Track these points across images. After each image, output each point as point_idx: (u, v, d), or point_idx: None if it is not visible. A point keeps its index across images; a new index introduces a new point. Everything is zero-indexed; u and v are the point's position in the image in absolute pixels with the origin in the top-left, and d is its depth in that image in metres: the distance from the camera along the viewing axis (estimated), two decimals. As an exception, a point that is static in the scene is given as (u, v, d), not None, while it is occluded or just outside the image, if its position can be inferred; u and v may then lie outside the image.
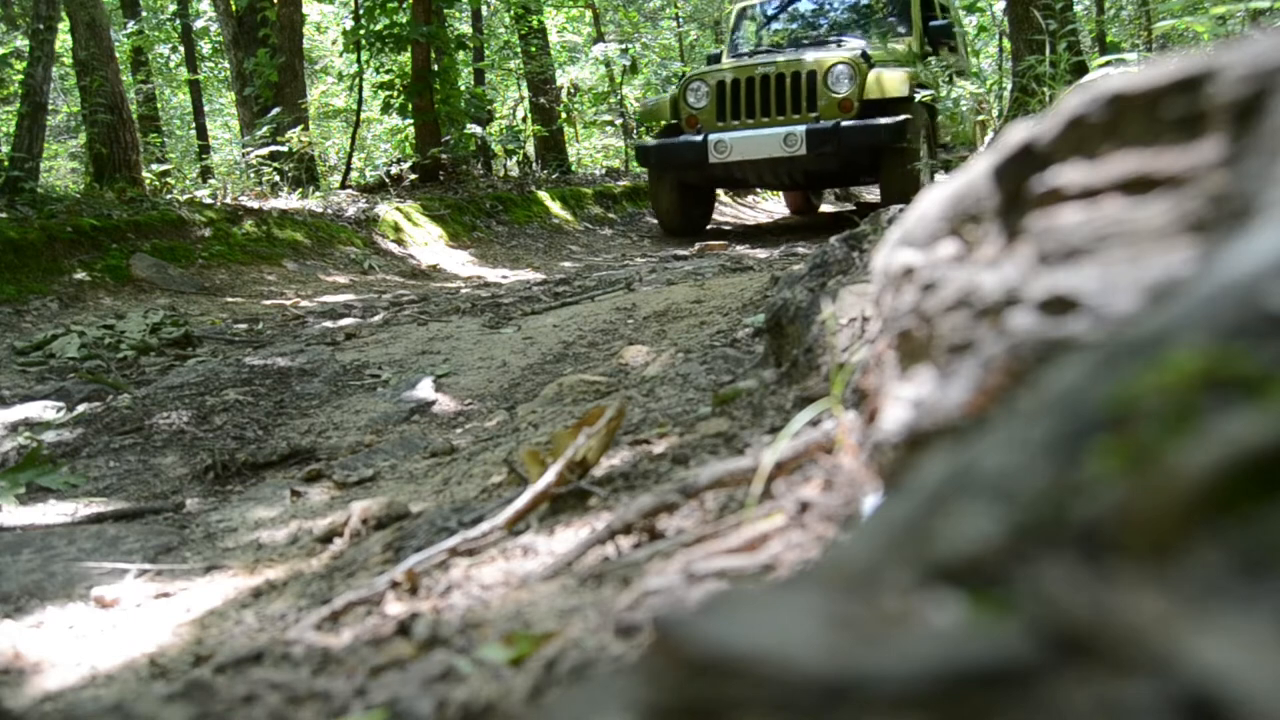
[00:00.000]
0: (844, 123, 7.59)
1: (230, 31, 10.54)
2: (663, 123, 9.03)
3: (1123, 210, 0.48)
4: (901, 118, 7.50)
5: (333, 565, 1.13)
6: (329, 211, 7.06)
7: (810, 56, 8.14)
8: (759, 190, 11.60)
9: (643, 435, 1.28)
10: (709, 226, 9.38)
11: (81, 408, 2.88)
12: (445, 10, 9.82)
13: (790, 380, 1.33)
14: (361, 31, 9.65)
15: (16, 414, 2.77)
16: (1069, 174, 0.50)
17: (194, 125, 14.75)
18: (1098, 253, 0.48)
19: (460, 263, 7.03)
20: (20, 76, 5.47)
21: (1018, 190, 0.52)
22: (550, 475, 0.92)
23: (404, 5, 9.72)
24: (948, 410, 0.55)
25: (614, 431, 1.01)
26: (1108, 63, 2.91)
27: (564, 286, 4.37)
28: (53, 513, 1.92)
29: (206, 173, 10.32)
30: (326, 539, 1.29)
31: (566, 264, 7.71)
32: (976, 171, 0.57)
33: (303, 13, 10.33)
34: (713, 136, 7.86)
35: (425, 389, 2.59)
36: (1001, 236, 0.53)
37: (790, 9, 10.79)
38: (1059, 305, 0.47)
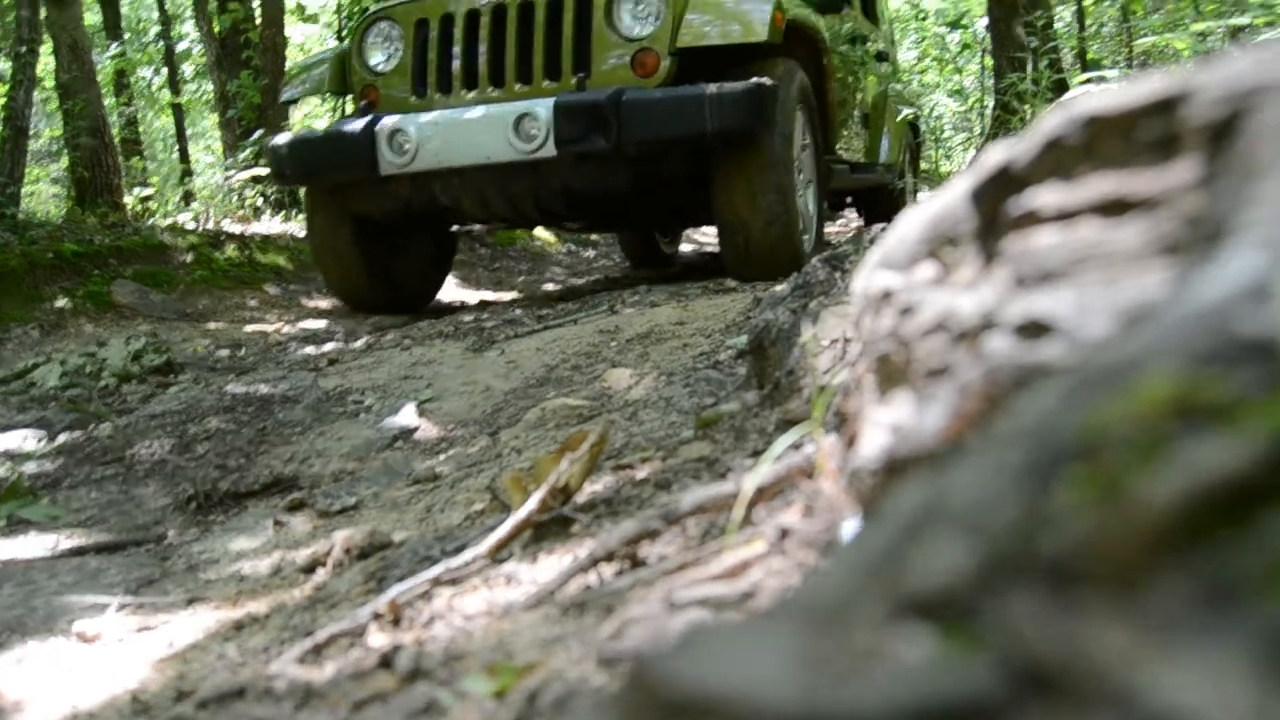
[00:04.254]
0: (631, 92, 4.14)
1: (213, 53, 10.56)
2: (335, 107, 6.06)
3: (1099, 232, 0.48)
4: (756, 82, 4.14)
5: (315, 596, 1.13)
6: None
7: None
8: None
9: (625, 460, 1.28)
10: (442, 295, 5.80)
11: (62, 437, 2.87)
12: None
13: (772, 402, 1.33)
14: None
15: (-3, 444, 2.75)
16: (1046, 196, 0.51)
17: (177, 148, 14.72)
18: (1073, 276, 0.48)
19: (446, 287, 7.02)
20: (2, 100, 5.45)
21: (995, 212, 0.53)
22: (532, 503, 0.92)
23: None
24: (925, 437, 0.55)
25: (596, 457, 1.01)
26: (1088, 80, 2.95)
27: (547, 309, 4.38)
28: (34, 545, 1.91)
29: (189, 196, 10.31)
30: (309, 569, 1.29)
31: (549, 286, 7.72)
32: (955, 193, 0.57)
33: (285, 34, 10.34)
34: (386, 123, 4.34)
35: (408, 415, 2.58)
36: (979, 259, 0.53)
37: None
38: (1034, 329, 0.48)
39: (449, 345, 3.68)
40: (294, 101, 5.49)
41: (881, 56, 7.50)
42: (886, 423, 0.61)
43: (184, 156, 13.78)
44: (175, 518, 2.08)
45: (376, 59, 4.74)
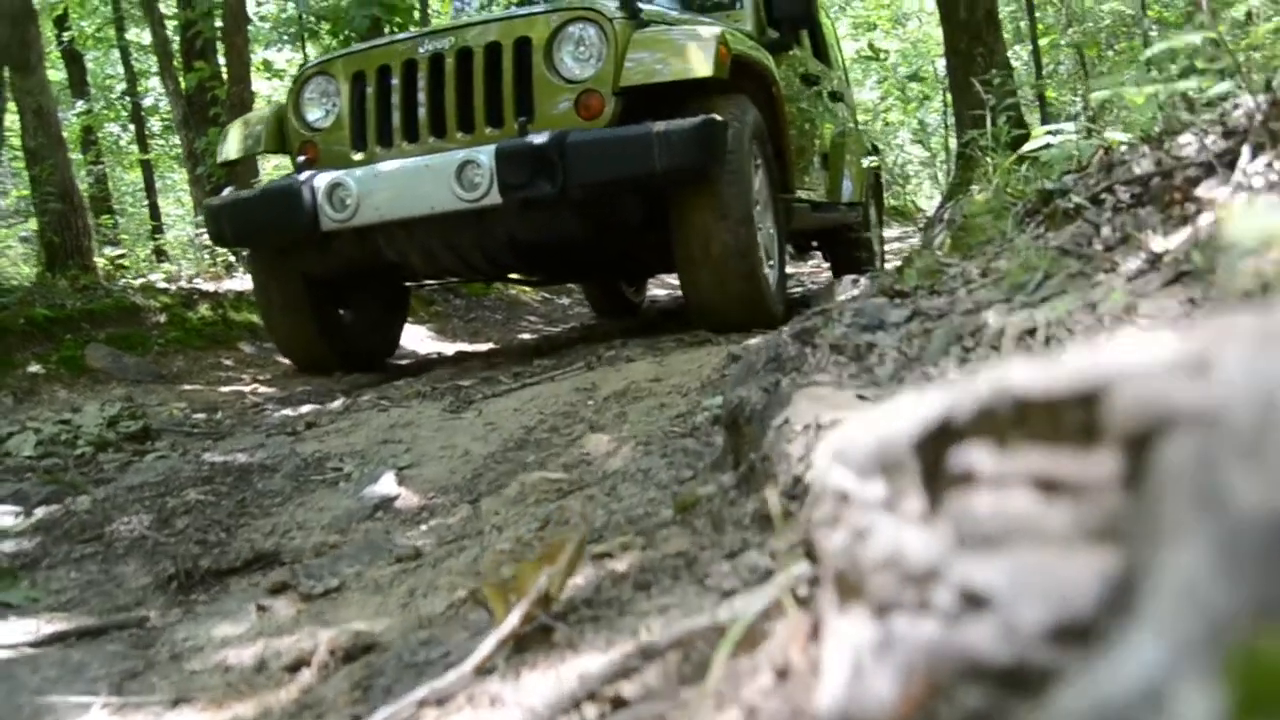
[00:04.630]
0: (575, 134, 4.06)
1: (180, 111, 10.57)
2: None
3: (1032, 506, 0.48)
4: (705, 118, 4.06)
5: (302, 701, 1.14)
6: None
7: (519, 13, 4.61)
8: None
9: (605, 546, 1.30)
10: (418, 347, 5.94)
11: (40, 512, 2.86)
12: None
13: (748, 487, 1.37)
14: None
15: (-27, 522, 2.74)
16: (983, 459, 0.51)
17: (146, 202, 14.71)
18: (1009, 548, 0.48)
19: (419, 338, 7.04)
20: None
21: (937, 461, 0.53)
22: (514, 619, 0.94)
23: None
24: (877, 710, 0.53)
25: (575, 564, 1.04)
26: (1048, 133, 3.05)
27: (523, 365, 4.40)
28: (16, 631, 1.90)
29: (160, 253, 10.31)
30: (294, 668, 1.30)
31: (525, 336, 7.75)
32: (897, 432, 0.56)
33: (253, 90, 10.39)
34: (324, 178, 4.27)
35: (387, 483, 2.59)
36: (924, 500, 0.54)
37: None
38: (973, 600, 0.48)
39: (426, 406, 3.69)
40: (233, 163, 5.46)
41: (835, 96, 7.60)
42: (846, 644, 0.58)
43: (154, 212, 13.77)
44: (157, 598, 2.08)
45: (314, 114, 4.73)
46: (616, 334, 5.16)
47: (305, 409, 4.08)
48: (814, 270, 10.58)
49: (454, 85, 4.38)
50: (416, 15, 9.37)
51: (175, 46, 11.07)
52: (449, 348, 6.94)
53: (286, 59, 11.39)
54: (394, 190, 4.20)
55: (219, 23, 9.97)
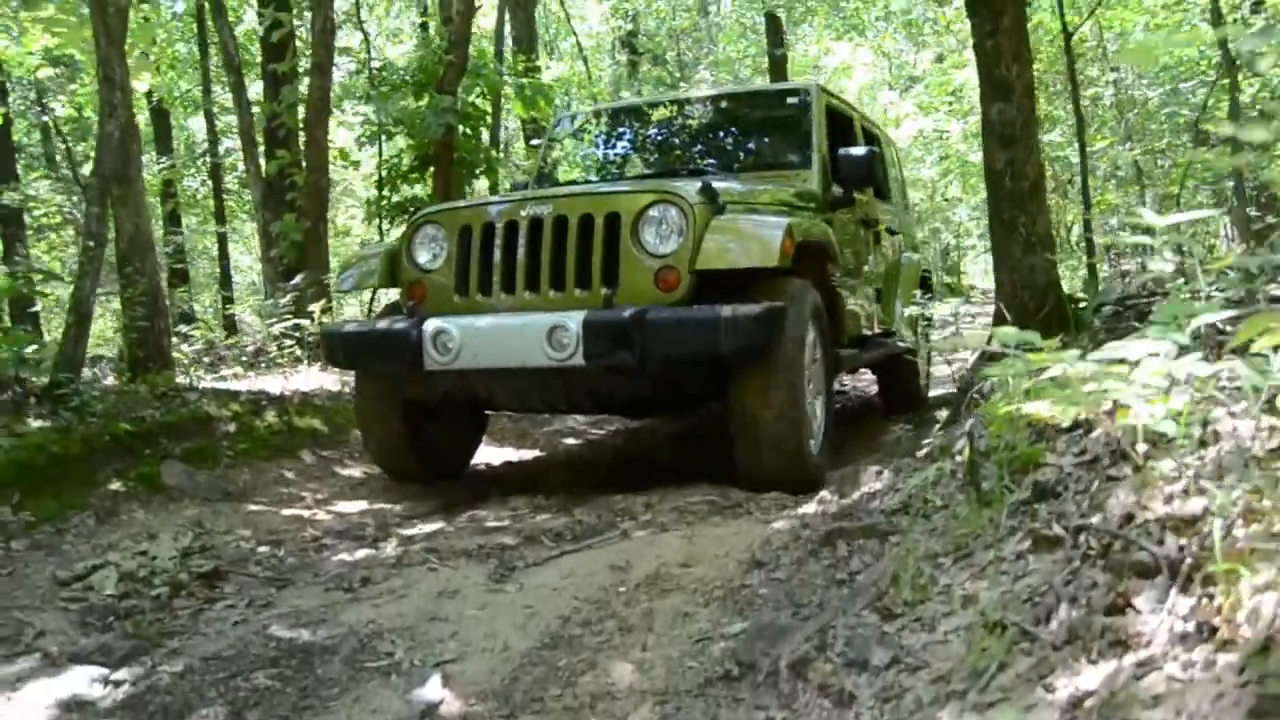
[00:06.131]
0: (653, 311, 4.53)
1: (259, 192, 11.12)
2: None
3: None
4: (767, 306, 4.58)
5: None
6: (347, 390, 7.46)
7: (611, 189, 5.19)
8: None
9: None
10: (474, 462, 6.40)
11: (123, 672, 3.20)
12: (465, 187, 10.38)
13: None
14: (383, 202, 10.21)
15: (65, 685, 3.07)
16: None
17: (218, 268, 15.34)
18: None
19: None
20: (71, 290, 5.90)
21: None
22: None
23: (425, 177, 10.29)
24: None
25: None
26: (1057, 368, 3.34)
27: (563, 518, 4.70)
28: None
29: (230, 325, 10.83)
30: None
31: (570, 441, 8.07)
32: None
33: (329, 178, 10.90)
34: (431, 325, 4.81)
35: (434, 688, 2.89)
36: None
37: (635, 128, 7.52)
38: None
39: (472, 569, 4.01)
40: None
41: (892, 230, 7.99)
42: None
43: (225, 280, 14.35)
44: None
45: (424, 258, 5.25)
46: (657, 449, 5.50)
47: (360, 554, 4.40)
48: (864, 384, 10.81)
49: (550, 248, 4.90)
50: (488, 122, 9.87)
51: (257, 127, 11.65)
52: (497, 454, 7.28)
53: (364, 154, 11.89)
54: (491, 343, 4.73)
55: (302, 112, 10.53)
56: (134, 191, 6.18)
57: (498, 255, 4.98)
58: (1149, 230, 2.18)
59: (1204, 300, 2.50)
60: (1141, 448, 2.42)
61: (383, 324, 5.11)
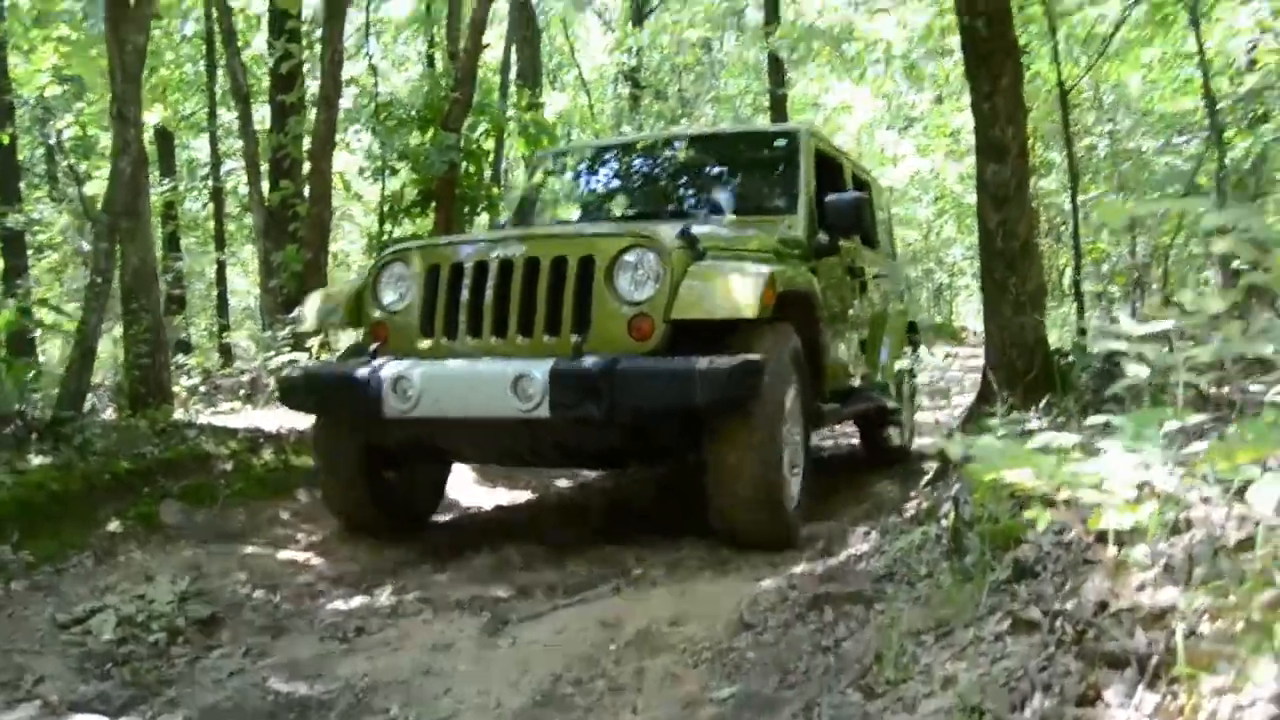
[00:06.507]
0: (624, 361, 4.40)
1: (261, 220, 11.20)
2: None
3: None
4: (745, 359, 4.40)
5: None
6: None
7: (587, 231, 5.17)
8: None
9: None
10: (459, 497, 6.30)
11: (121, 722, 3.27)
12: (465, 223, 10.50)
13: None
14: (384, 236, 10.32)
15: (65, 736, 3.14)
16: None
17: (215, 292, 15.43)
18: None
19: (462, 483, 7.43)
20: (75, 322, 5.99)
21: None
22: None
23: (428, 211, 10.40)
24: None
25: None
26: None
27: (555, 571, 4.78)
28: None
29: (226, 352, 10.92)
30: None
31: (561, 483, 8.12)
32: None
33: (332, 210, 11.00)
34: (390, 370, 4.63)
35: (428, 748, 2.97)
36: None
37: (615, 166, 7.42)
38: None
39: (465, 623, 4.08)
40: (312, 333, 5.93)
41: (879, 276, 7.99)
42: None
43: (222, 307, 14.44)
44: None
45: (389, 297, 5.08)
46: (645, 496, 5.54)
47: (356, 603, 4.47)
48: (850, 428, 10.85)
49: (520, 291, 4.73)
50: (491, 159, 10.00)
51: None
52: (488, 496, 7.33)
53: (368, 187, 12.01)
54: (453, 391, 4.53)
55: (307, 143, 10.65)
56: (142, 224, 6.29)
57: (465, 296, 4.80)
58: (1126, 337, 2.27)
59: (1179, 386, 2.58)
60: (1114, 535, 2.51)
61: (341, 367, 4.95)
